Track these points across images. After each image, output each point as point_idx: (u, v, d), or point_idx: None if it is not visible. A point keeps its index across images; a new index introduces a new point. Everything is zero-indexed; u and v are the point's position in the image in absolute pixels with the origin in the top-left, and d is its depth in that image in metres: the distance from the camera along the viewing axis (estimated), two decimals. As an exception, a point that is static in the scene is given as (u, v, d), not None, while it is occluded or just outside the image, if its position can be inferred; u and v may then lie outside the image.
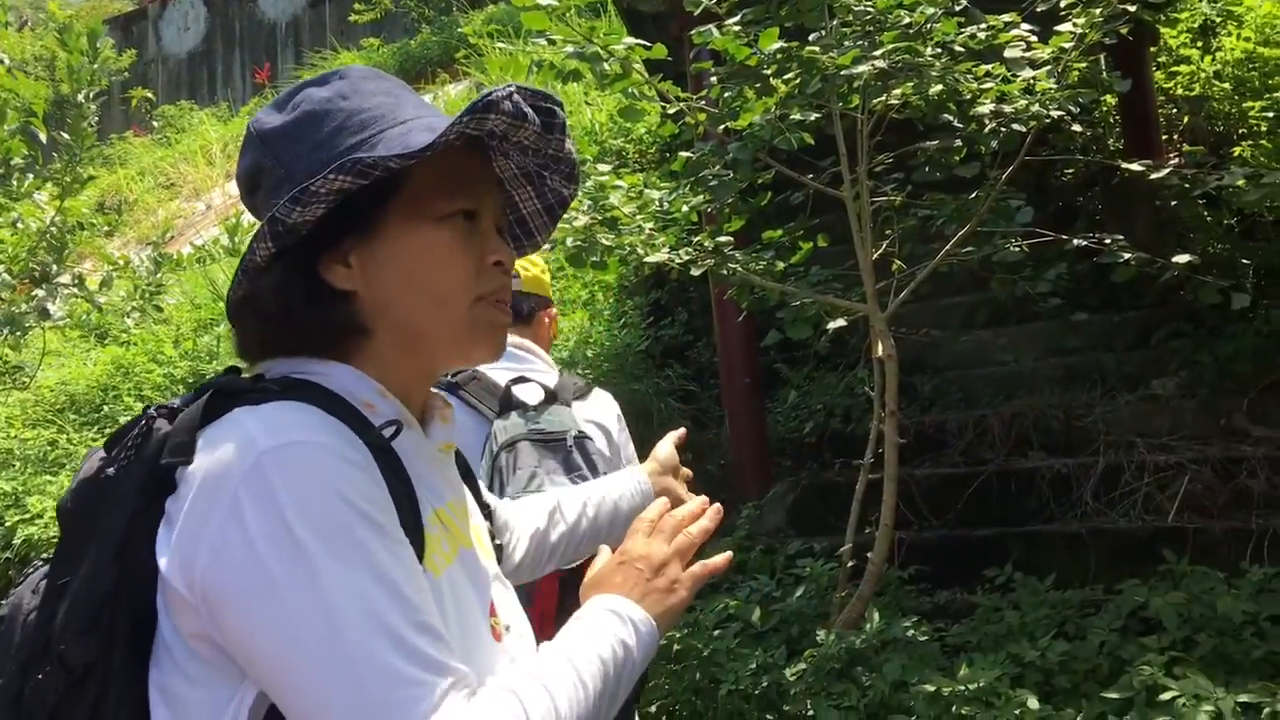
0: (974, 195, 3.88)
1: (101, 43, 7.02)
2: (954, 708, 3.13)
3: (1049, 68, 3.60)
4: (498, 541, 1.35)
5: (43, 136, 6.55)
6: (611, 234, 3.88)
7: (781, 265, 4.00)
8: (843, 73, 3.45)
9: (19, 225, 6.59)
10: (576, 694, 0.98)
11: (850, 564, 3.86)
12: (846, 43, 3.53)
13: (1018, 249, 3.78)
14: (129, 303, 7.03)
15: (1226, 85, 6.47)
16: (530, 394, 2.18)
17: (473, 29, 14.15)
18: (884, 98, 3.58)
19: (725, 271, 3.94)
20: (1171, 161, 6.10)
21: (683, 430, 1.79)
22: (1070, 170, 6.51)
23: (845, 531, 3.90)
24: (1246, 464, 4.38)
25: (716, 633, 3.88)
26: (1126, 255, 3.62)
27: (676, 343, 6.47)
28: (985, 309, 5.65)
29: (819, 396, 5.59)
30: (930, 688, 3.19)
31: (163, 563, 0.94)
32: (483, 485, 1.40)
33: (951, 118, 3.63)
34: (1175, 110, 6.73)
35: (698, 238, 4.03)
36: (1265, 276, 5.49)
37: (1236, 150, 6.11)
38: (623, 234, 3.91)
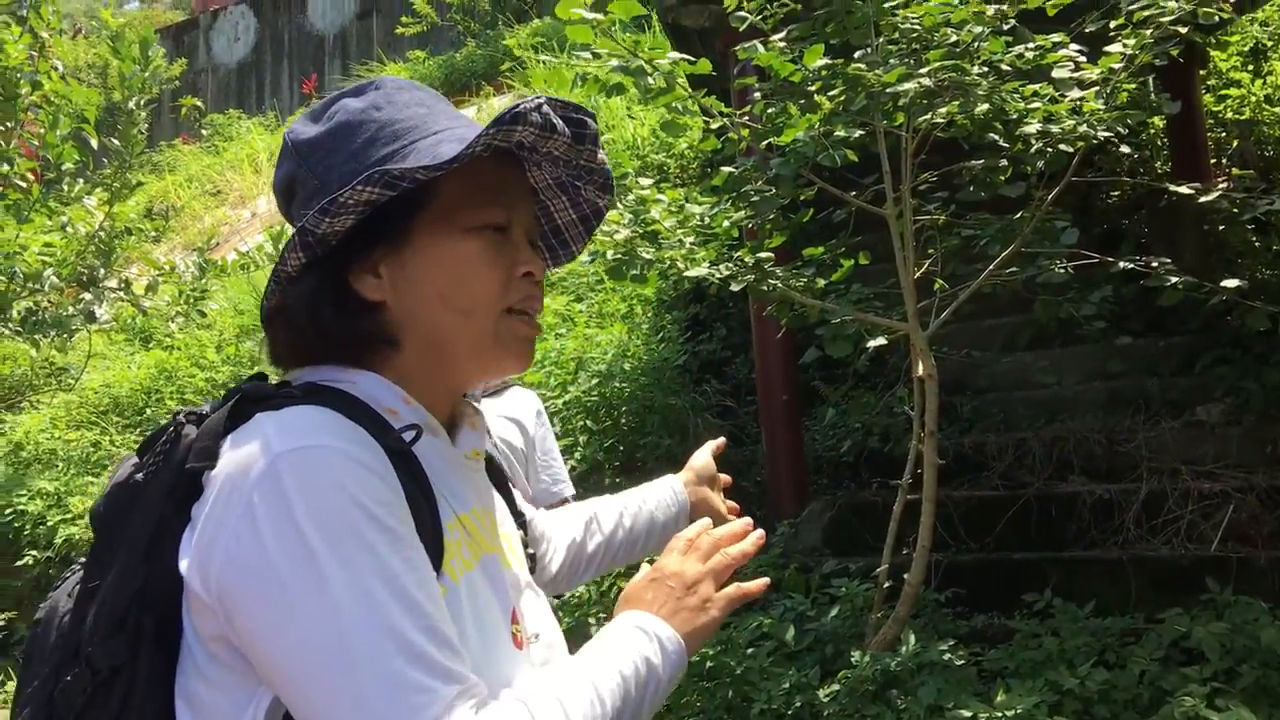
0: (1019, 216, 3.84)
1: (153, 51, 7.14)
2: (990, 734, 3.09)
3: (1097, 88, 3.57)
4: (531, 551, 1.35)
5: (94, 143, 6.67)
6: (652, 248, 3.88)
7: (822, 282, 3.98)
8: (888, 90, 3.43)
9: (68, 230, 6.71)
10: (593, 710, 0.97)
11: (886, 585, 3.83)
12: (892, 60, 3.51)
13: (1063, 271, 3.74)
14: (174, 307, 7.14)
15: (1277, 110, 6.39)
16: None
17: (516, 42, 14.24)
18: (929, 116, 3.56)
19: (765, 287, 3.92)
20: (1220, 186, 6.04)
21: (721, 440, 1.78)
22: (1116, 192, 6.45)
23: (881, 552, 3.86)
24: (1293, 493, 4.30)
25: (750, 651, 3.86)
26: (1174, 279, 3.57)
27: (714, 358, 6.46)
28: (1028, 330, 5.59)
29: (857, 415, 5.55)
30: (966, 713, 3.15)
31: (184, 565, 0.95)
32: (519, 495, 1.39)
33: (997, 137, 3.60)
34: (1224, 134, 6.65)
35: (738, 253, 4.02)
36: (1315, 303, 5.41)
37: (1287, 175, 6.03)
38: (663, 248, 3.91)
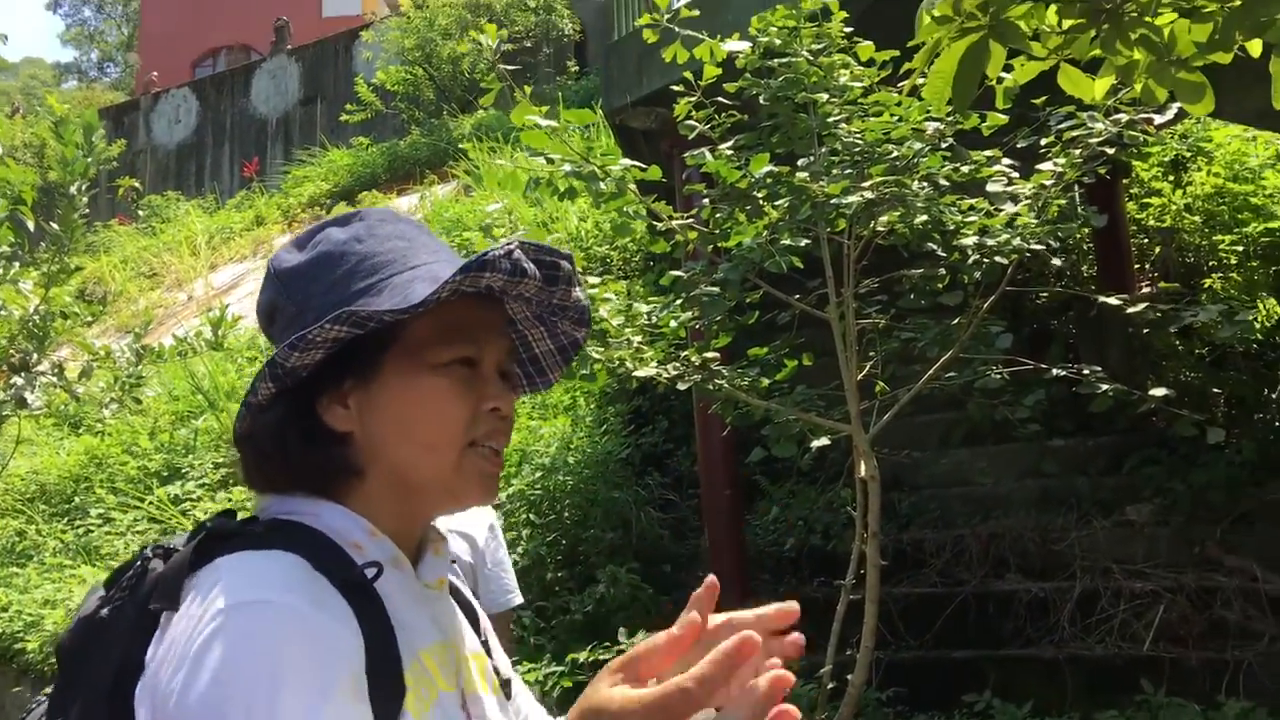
0: (956, 321, 3.96)
1: (96, 135, 7.12)
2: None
3: (1029, 202, 3.73)
4: (506, 677, 1.34)
5: (30, 224, 6.60)
6: (601, 347, 3.94)
7: (766, 382, 4.06)
8: (832, 201, 3.55)
9: (1, 312, 6.59)
10: None
11: (830, 685, 3.84)
12: (835, 171, 3.64)
13: (999, 376, 3.86)
14: (108, 393, 7.00)
15: (1196, 218, 6.68)
16: None
17: (461, 133, 14.40)
18: (871, 225, 3.69)
19: (712, 387, 3.99)
20: (1144, 289, 6.27)
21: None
22: (1046, 294, 6.66)
23: (824, 649, 3.88)
24: (1221, 594, 4.42)
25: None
26: (1104, 386, 3.70)
27: (657, 450, 6.49)
28: (962, 428, 5.72)
29: (799, 511, 5.61)
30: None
31: (139, 710, 0.95)
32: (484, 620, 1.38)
33: (935, 246, 3.73)
34: (1147, 240, 6.93)
35: (685, 352, 4.09)
36: (1235, 406, 5.61)
37: (1207, 281, 6.29)
38: (611, 347, 3.96)
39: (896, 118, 3.63)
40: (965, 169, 3.67)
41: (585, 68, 17.91)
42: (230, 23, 29.23)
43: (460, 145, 13.62)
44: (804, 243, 3.66)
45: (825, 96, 3.72)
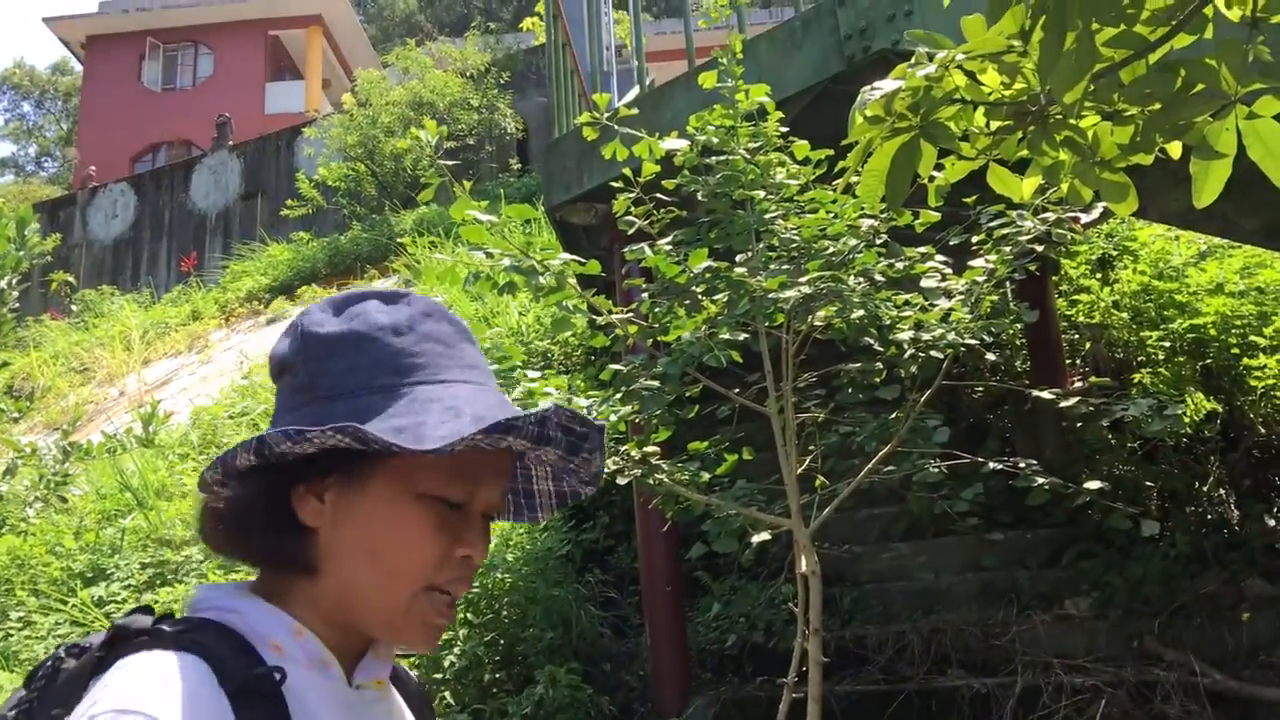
0: (894, 415, 4.00)
1: (29, 230, 7.06)
2: None
3: (962, 298, 3.80)
4: None
5: (-42, 318, 6.48)
6: (540, 442, 3.90)
7: (707, 476, 4.04)
8: (770, 295, 3.59)
9: (-76, 408, 6.42)
10: None
11: (773, 787, 3.77)
12: (773, 266, 3.69)
13: (937, 469, 3.88)
14: (33, 492, 6.83)
15: (1124, 314, 6.85)
16: None
17: (402, 228, 14.45)
18: (809, 320, 3.73)
19: (652, 481, 3.97)
20: (1076, 384, 6.39)
21: None
22: (981, 388, 6.77)
23: (768, 752, 3.81)
24: (1160, 688, 4.43)
25: None
26: (1040, 480, 3.74)
27: (597, 547, 6.42)
28: (902, 521, 5.74)
29: (741, 608, 5.55)
30: None
31: None
32: None
33: (873, 341, 3.78)
34: (1077, 336, 7.09)
35: (625, 447, 4.07)
36: (1168, 499, 5.70)
37: (1136, 376, 6.43)
38: (551, 442, 3.93)
39: (832, 214, 3.70)
40: (900, 265, 3.74)
41: (527, 165, 18.16)
42: (171, 119, 29.29)
43: (401, 240, 13.66)
44: (742, 337, 3.69)
45: (762, 194, 3.79)
